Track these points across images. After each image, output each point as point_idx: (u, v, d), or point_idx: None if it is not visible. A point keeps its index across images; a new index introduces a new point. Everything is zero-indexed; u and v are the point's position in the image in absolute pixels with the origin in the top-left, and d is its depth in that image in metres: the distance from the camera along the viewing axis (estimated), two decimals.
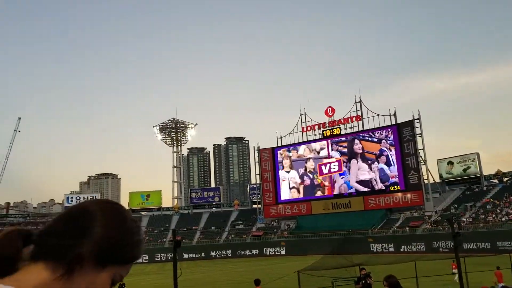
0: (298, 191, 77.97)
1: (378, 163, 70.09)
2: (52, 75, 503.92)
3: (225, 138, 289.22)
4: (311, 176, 77.34)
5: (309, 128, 77.54)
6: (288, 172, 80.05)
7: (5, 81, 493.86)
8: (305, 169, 77.93)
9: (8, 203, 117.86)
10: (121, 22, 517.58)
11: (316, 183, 76.51)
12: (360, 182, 71.46)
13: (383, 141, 69.92)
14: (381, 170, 69.81)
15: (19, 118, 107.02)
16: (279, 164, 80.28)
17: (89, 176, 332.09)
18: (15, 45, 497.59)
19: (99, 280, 1.05)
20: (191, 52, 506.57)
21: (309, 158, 77.80)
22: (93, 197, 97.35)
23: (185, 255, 67.04)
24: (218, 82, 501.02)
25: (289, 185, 79.37)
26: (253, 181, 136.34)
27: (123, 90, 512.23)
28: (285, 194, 79.11)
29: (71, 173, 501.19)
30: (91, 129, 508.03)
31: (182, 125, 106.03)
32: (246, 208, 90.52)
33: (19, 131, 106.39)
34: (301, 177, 78.21)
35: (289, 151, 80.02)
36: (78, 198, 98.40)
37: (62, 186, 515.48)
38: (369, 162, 71.07)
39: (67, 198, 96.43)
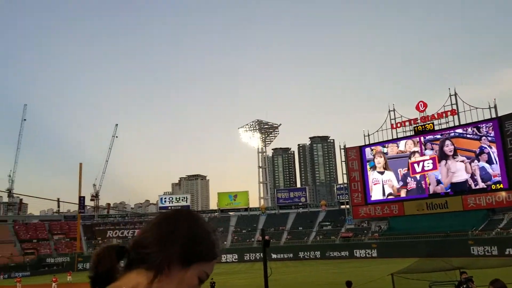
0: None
1: (479, 161, 64.59)
2: (144, 83, 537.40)
3: (310, 138, 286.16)
4: (418, 177, 70.07)
5: (399, 125, 73.47)
6: (381, 173, 73.78)
7: (104, 91, 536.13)
8: (408, 168, 71.38)
9: (109, 204, 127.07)
10: (205, 26, 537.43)
11: (425, 186, 68.87)
12: (455, 183, 66.40)
13: (483, 138, 64.16)
14: (482, 169, 64.19)
15: (116, 125, 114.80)
16: (371, 163, 76.43)
17: (180, 178, 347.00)
18: (112, 57, 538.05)
19: (186, 279, 1.22)
20: (274, 54, 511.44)
21: (415, 152, 70.57)
22: (184, 197, 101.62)
23: (273, 255, 67.37)
24: (301, 82, 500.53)
25: (383, 190, 73.46)
26: (339, 181, 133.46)
27: (210, 94, 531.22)
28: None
29: (163, 175, 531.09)
30: (181, 133, 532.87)
31: (266, 126, 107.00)
32: (333, 208, 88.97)
33: (117, 137, 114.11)
34: (403, 179, 71.54)
35: (384, 147, 74.58)
36: (170, 198, 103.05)
37: (156, 187, 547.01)
38: (467, 160, 65.65)
39: (161, 198, 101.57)
